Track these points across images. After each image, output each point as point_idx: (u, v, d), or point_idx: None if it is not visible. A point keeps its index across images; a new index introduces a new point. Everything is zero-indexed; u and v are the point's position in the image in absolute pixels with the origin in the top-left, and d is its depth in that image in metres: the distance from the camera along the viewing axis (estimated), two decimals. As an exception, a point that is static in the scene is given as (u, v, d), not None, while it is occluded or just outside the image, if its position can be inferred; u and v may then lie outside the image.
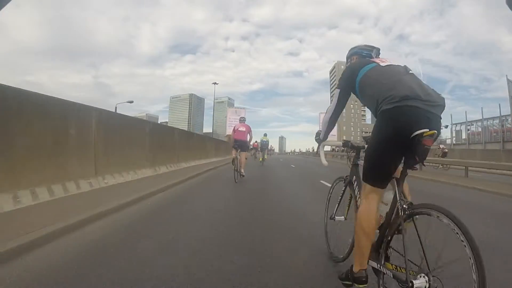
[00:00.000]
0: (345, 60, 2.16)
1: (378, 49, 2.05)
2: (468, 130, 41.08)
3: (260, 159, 16.65)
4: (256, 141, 19.62)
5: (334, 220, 2.31)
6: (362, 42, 2.06)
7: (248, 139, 8.24)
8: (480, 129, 39.44)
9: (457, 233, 1.20)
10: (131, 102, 31.84)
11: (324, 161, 2.29)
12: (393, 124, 1.52)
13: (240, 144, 7.90)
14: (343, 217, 2.24)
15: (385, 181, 1.63)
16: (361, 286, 1.61)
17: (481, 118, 39.11)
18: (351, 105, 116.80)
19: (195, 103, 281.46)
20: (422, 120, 1.45)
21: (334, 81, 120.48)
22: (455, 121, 42.10)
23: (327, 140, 2.21)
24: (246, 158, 11.47)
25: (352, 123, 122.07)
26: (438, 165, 15.01)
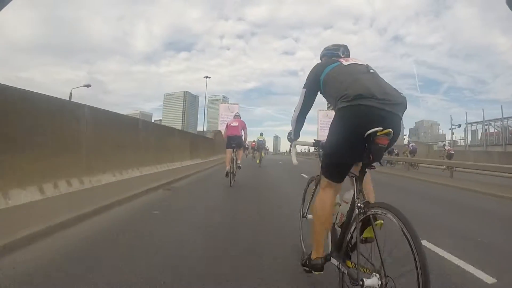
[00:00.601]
0: None
1: (345, 46, 2.08)
2: (486, 130, 37.01)
3: (258, 161, 15.90)
4: (254, 141, 19.12)
5: (306, 218, 2.35)
6: (357, 43, 2.08)
7: (242, 135, 7.25)
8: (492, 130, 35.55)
9: (404, 232, 1.23)
10: (88, 86, 30.67)
11: (294, 161, 2.31)
12: (347, 122, 1.55)
13: (234, 140, 7.01)
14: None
15: (341, 176, 1.69)
16: (317, 273, 1.71)
17: (500, 117, 34.26)
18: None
19: (190, 100, 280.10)
20: (376, 118, 1.47)
21: None
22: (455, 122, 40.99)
23: (299, 140, 2.24)
24: (246, 154, 11.43)
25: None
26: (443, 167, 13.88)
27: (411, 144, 17.61)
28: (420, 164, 15.30)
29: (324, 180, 1.74)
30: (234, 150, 7.01)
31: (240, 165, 7.22)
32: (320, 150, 2.23)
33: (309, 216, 2.26)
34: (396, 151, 18.46)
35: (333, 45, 2.12)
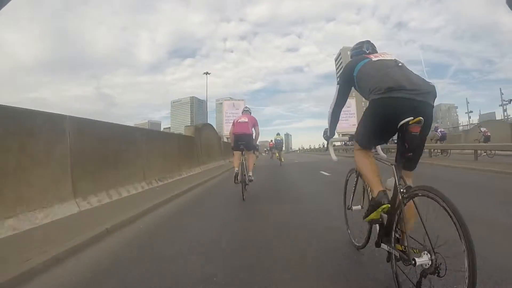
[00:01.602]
0: (350, 43, 2.43)
1: (368, 41, 2.26)
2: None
3: (280, 159, 16.33)
4: (271, 141, 19.44)
5: (352, 210, 2.46)
6: (360, 33, 2.29)
7: (252, 133, 5.83)
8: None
9: (448, 212, 1.35)
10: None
11: (334, 157, 2.49)
12: (379, 113, 1.74)
13: (243, 140, 5.53)
14: (359, 206, 2.39)
15: (371, 147, 1.99)
16: (384, 206, 1.70)
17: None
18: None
19: (197, 105, 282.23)
20: (408, 109, 1.62)
21: (340, 68, 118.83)
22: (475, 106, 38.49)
23: (335, 137, 2.40)
24: (254, 163, 8.74)
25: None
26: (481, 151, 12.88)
27: (439, 130, 16.30)
28: (451, 151, 14.55)
29: (357, 145, 2.00)
30: (243, 153, 5.57)
31: (253, 178, 5.53)
32: None
33: (354, 208, 2.40)
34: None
35: (357, 44, 2.31)
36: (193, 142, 11.69)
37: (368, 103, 1.83)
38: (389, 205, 1.69)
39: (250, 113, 6.26)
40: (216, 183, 8.42)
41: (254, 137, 5.89)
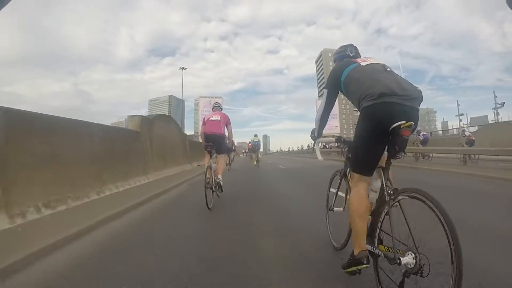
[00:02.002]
0: (331, 46, 2.41)
1: (351, 45, 2.29)
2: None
3: (254, 163, 15.87)
4: (249, 142, 18.45)
5: (333, 211, 2.49)
6: (341, 37, 2.32)
7: (224, 133, 5.20)
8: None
9: (436, 213, 1.38)
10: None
11: (319, 157, 2.50)
12: (373, 119, 1.74)
13: (214, 141, 4.93)
14: (341, 208, 2.43)
15: (371, 170, 1.86)
16: (363, 266, 1.74)
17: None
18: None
19: (175, 104, 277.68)
20: (399, 113, 1.66)
21: (321, 70, 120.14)
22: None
23: (322, 137, 2.41)
24: (227, 164, 8.55)
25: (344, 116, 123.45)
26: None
27: (422, 133, 15.95)
28: (432, 155, 14.18)
29: (355, 176, 1.90)
30: (213, 154, 4.96)
31: (221, 182, 4.84)
32: (343, 146, 2.39)
33: (336, 209, 2.44)
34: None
35: (340, 48, 2.34)
36: (137, 139, 7.83)
37: (360, 111, 1.82)
38: (368, 265, 1.74)
39: (221, 109, 5.59)
40: (169, 201, 5.43)
41: (227, 136, 5.33)
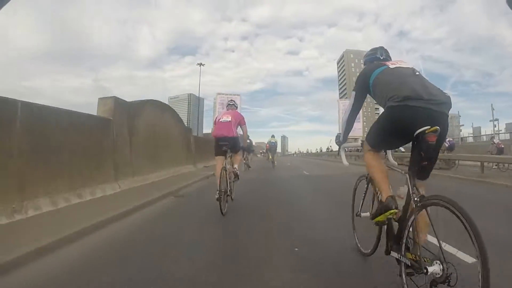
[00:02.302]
0: (352, 48, 2.44)
1: (382, 47, 2.28)
2: None
3: (272, 161, 15.83)
4: (267, 143, 18.57)
5: (360, 216, 2.47)
6: (362, 40, 2.34)
7: (237, 135, 4.62)
8: None
9: (462, 222, 1.36)
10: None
11: (345, 162, 2.54)
12: (395, 120, 1.77)
13: (227, 143, 4.37)
14: (368, 213, 2.39)
15: (380, 149, 2.06)
16: (392, 211, 1.78)
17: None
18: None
19: (194, 103, 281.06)
20: (425, 118, 1.65)
21: (342, 71, 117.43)
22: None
23: (346, 142, 2.43)
24: (245, 163, 9.88)
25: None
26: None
27: (448, 140, 15.03)
28: (458, 162, 12.99)
29: (367, 146, 2.03)
30: (228, 155, 4.48)
31: (238, 172, 4.74)
32: None
33: (363, 214, 2.42)
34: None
35: (371, 50, 2.33)
36: (107, 131, 5.75)
37: (384, 109, 1.85)
38: (396, 210, 1.77)
39: (236, 107, 5.13)
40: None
41: (241, 136, 4.84)
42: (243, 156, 11.36)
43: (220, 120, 4.53)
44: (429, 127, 1.62)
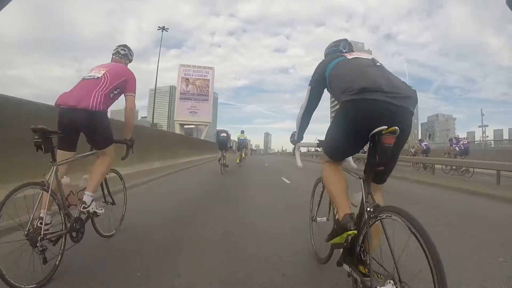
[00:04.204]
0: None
1: (346, 40, 2.09)
2: None
3: (237, 160, 14.94)
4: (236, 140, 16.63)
5: (316, 221, 2.34)
6: (349, 40, 2.14)
7: (101, 108, 2.39)
8: None
9: (416, 236, 1.20)
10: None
11: (299, 163, 2.35)
12: (351, 118, 1.54)
13: (70, 123, 2.34)
14: (325, 218, 2.27)
15: (341, 158, 1.83)
16: (350, 233, 1.51)
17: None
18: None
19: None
20: (383, 114, 1.44)
21: None
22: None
23: (302, 141, 2.25)
24: (222, 163, 10.47)
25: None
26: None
27: (423, 144, 15.53)
28: (474, 170, 10.87)
29: (326, 157, 1.83)
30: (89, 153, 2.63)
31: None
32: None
33: (319, 219, 2.30)
34: (413, 151, 15.85)
35: (334, 42, 2.16)
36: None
37: (338, 106, 1.65)
38: (356, 232, 1.51)
39: (129, 60, 3.02)
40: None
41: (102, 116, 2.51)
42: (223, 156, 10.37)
43: (84, 78, 2.59)
44: (386, 127, 1.40)
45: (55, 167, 2.14)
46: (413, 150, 16.11)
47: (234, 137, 15.15)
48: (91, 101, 2.34)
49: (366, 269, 1.51)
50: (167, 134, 19.48)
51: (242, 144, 15.79)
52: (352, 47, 2.09)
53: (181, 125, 49.23)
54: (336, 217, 1.67)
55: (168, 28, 34.30)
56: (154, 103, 35.02)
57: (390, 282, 1.30)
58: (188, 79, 48.21)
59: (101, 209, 2.51)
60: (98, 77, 2.52)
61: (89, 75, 2.58)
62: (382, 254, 1.44)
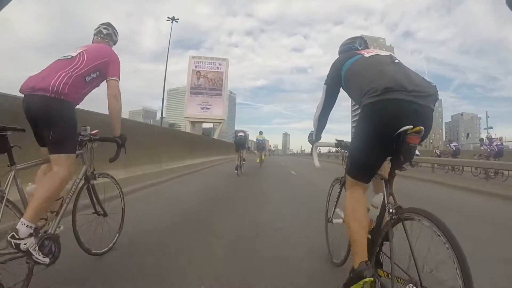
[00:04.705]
0: (368, 35, 2.17)
1: (361, 37, 2.06)
2: None
3: (257, 161, 15.00)
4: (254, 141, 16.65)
5: (332, 223, 2.31)
6: (368, 39, 2.08)
7: (64, 85, 1.82)
8: None
9: (442, 239, 1.17)
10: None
11: (317, 163, 2.31)
12: (376, 120, 1.48)
13: (32, 104, 1.82)
14: (341, 219, 2.22)
15: (368, 177, 1.64)
16: (366, 280, 1.45)
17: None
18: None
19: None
20: (408, 114, 1.41)
21: None
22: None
23: (320, 141, 2.22)
24: (237, 167, 9.63)
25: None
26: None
27: (453, 144, 14.60)
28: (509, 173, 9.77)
29: (350, 180, 1.70)
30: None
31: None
32: (344, 151, 2.19)
33: (336, 221, 2.25)
34: (438, 152, 15.38)
35: (348, 39, 2.11)
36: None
37: (360, 110, 1.58)
38: (372, 279, 1.44)
39: (113, 39, 2.54)
40: None
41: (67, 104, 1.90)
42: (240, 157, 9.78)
43: (61, 57, 2.10)
44: (411, 126, 1.37)
45: (13, 172, 1.70)
46: (438, 151, 15.44)
47: (252, 137, 14.98)
48: (52, 83, 1.80)
49: (385, 273, 1.48)
50: (169, 131, 16.03)
51: (261, 145, 15.75)
52: (368, 44, 2.04)
53: (192, 123, 45.77)
54: (353, 266, 1.57)
55: (178, 19, 30.99)
56: (163, 99, 30.97)
57: (411, 287, 1.27)
58: (199, 71, 44.01)
59: (45, 258, 1.66)
60: (71, 57, 2.03)
61: (64, 55, 2.09)
62: (401, 257, 1.41)
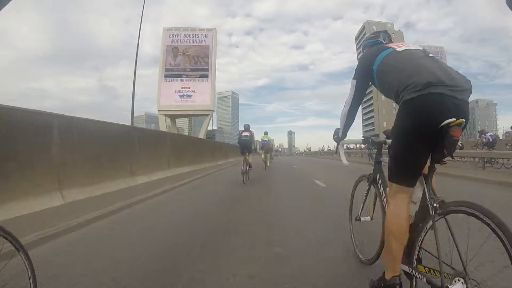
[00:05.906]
0: (375, 20, 2.14)
1: (385, 31, 2.04)
2: None
3: (268, 164, 14.41)
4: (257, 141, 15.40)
5: (360, 221, 2.30)
6: (376, 22, 2.04)
7: None
8: None
9: (496, 232, 1.15)
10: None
11: (345, 161, 2.31)
12: (418, 115, 1.47)
13: None
14: (369, 217, 2.24)
15: (414, 179, 1.59)
16: None
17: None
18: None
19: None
20: (449, 107, 1.41)
21: (361, 48, 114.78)
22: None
23: (346, 138, 2.18)
24: (243, 172, 8.43)
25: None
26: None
27: (488, 134, 13.18)
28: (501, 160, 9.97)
29: (394, 186, 1.63)
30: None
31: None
32: (371, 148, 2.19)
33: (364, 219, 2.26)
34: (460, 144, 15.26)
35: (372, 33, 2.10)
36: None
37: (400, 106, 1.55)
38: None
39: None
40: None
41: None
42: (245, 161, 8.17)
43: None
44: (454, 119, 1.37)
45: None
46: (460, 143, 14.82)
47: (257, 138, 14.51)
48: None
49: (426, 268, 1.48)
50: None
51: (266, 146, 15.22)
52: (392, 39, 2.02)
53: (169, 117, 34.74)
54: (385, 274, 1.63)
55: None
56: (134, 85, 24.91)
57: (459, 280, 1.27)
58: (176, 47, 32.87)
59: None
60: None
61: None
62: (441, 251, 1.40)
